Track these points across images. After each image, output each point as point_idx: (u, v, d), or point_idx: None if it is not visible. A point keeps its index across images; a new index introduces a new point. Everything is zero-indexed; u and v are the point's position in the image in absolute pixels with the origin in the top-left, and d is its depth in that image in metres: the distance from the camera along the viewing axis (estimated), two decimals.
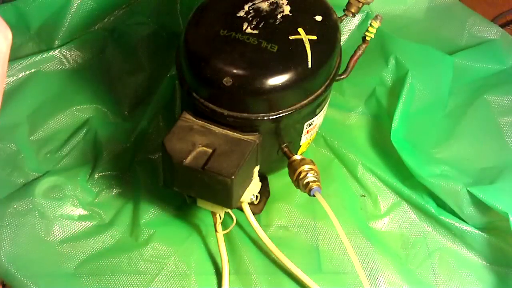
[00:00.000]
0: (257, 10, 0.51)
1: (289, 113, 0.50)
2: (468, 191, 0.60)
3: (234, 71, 0.48)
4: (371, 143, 0.70)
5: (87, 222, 0.61)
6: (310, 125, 0.55)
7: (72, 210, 0.61)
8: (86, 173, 0.64)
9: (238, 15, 0.51)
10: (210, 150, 0.48)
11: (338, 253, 0.61)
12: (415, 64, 0.68)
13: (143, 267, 0.58)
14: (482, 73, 0.73)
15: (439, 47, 0.73)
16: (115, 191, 0.64)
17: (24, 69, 0.71)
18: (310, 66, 0.49)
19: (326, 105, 0.57)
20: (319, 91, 0.52)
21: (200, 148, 0.48)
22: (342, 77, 0.56)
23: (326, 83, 0.52)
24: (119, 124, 0.70)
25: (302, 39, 0.49)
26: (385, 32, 0.72)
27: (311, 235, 0.62)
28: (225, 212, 0.56)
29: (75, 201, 0.61)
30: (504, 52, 0.75)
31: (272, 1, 0.52)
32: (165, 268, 0.58)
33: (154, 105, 0.69)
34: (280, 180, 0.64)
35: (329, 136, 0.69)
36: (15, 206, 0.59)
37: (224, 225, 0.59)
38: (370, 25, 0.55)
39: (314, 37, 0.50)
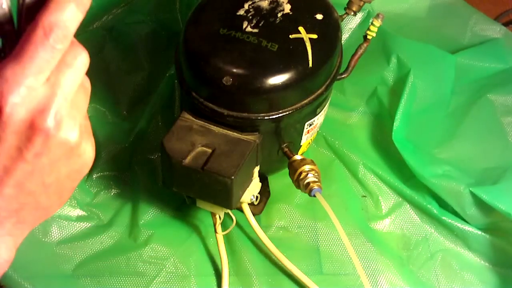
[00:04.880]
0: (257, 9, 0.51)
1: (289, 113, 0.50)
2: (470, 191, 0.60)
3: (234, 70, 0.47)
4: (372, 143, 0.69)
5: (85, 223, 0.61)
6: (310, 125, 0.55)
7: (70, 211, 0.61)
8: None
9: (238, 13, 0.50)
10: (209, 150, 0.47)
11: (339, 254, 0.60)
12: (417, 63, 0.68)
13: (142, 268, 0.58)
14: (485, 72, 0.73)
15: (441, 46, 0.73)
16: (113, 191, 0.64)
17: None
18: (310, 65, 0.48)
19: (327, 104, 0.57)
20: (320, 90, 0.51)
21: (200, 148, 0.47)
22: (343, 76, 0.56)
23: (327, 83, 0.52)
24: (118, 124, 0.69)
25: (302, 38, 0.49)
26: (386, 30, 0.71)
27: (312, 236, 0.62)
28: (224, 212, 0.56)
29: (73, 202, 0.61)
30: (507, 51, 0.75)
31: (273, 0, 0.51)
32: (164, 269, 0.58)
33: (153, 105, 0.69)
34: (280, 181, 0.63)
35: (330, 136, 0.68)
36: None
37: (224, 226, 0.59)
38: (372, 23, 0.55)
39: (314, 36, 0.49)
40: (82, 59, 0.28)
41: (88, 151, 0.31)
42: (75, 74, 0.28)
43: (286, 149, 0.54)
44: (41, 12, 0.26)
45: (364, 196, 0.65)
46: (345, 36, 0.76)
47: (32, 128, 0.27)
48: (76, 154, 0.30)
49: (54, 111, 0.27)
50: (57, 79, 0.27)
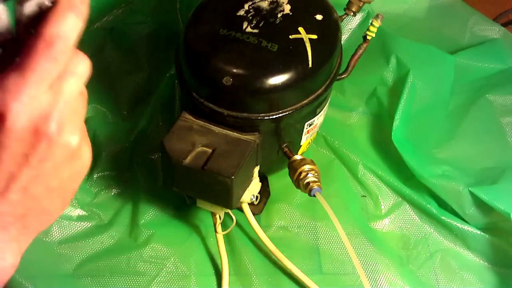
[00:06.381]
0: (257, 9, 0.51)
1: (289, 113, 0.50)
2: (470, 191, 0.60)
3: (234, 70, 0.47)
4: (372, 143, 0.70)
5: (86, 222, 0.61)
6: (310, 125, 0.55)
7: (70, 211, 0.61)
8: None
9: (238, 14, 0.50)
10: (209, 150, 0.47)
11: (339, 254, 0.61)
12: (416, 63, 0.68)
13: (142, 268, 0.58)
14: (484, 72, 0.73)
15: (441, 46, 0.73)
16: (114, 191, 0.64)
17: None
18: (310, 65, 0.48)
19: (327, 104, 0.57)
20: (320, 90, 0.51)
21: (200, 148, 0.47)
22: (342, 76, 0.56)
23: (327, 83, 0.52)
24: (118, 124, 0.69)
25: (302, 38, 0.49)
26: (386, 31, 0.71)
27: (312, 235, 0.62)
28: (225, 212, 0.56)
29: (74, 202, 0.61)
30: (506, 51, 0.75)
31: (273, 0, 0.52)
32: (164, 269, 0.58)
33: (153, 105, 0.69)
34: (280, 180, 0.63)
35: (329, 136, 0.68)
36: None
37: (224, 226, 0.59)
38: (371, 24, 0.55)
39: (314, 36, 0.49)
40: (83, 66, 0.29)
41: (86, 153, 0.32)
42: (77, 81, 0.29)
43: (286, 149, 0.55)
44: (42, 24, 0.27)
45: (363, 196, 0.65)
46: (344, 37, 0.76)
47: (36, 135, 0.27)
48: (77, 157, 0.30)
49: (56, 117, 0.28)
50: (59, 87, 0.28)
